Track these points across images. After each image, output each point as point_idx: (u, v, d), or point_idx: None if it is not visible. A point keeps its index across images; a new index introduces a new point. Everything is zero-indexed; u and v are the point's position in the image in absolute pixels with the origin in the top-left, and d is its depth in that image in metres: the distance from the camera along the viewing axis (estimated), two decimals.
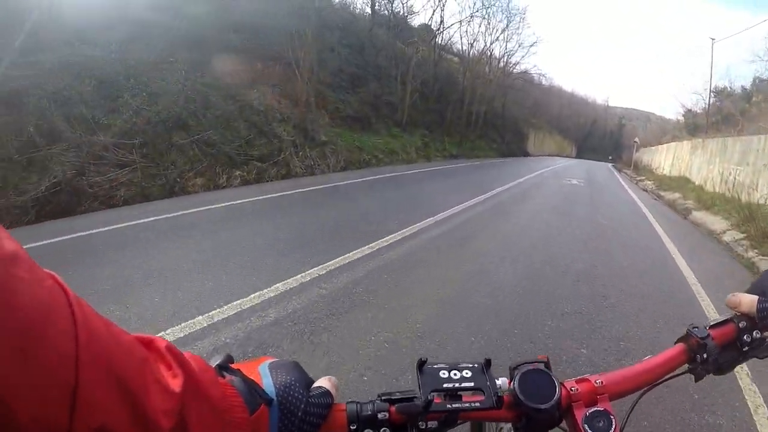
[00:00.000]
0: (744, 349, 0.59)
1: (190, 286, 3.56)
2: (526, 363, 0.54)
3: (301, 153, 11.93)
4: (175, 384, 0.34)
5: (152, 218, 6.33)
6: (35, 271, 0.28)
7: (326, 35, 15.83)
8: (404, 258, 4.62)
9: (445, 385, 0.49)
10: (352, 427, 0.47)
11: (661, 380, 0.58)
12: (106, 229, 5.73)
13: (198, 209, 7.01)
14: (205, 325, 2.91)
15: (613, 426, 0.50)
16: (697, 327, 0.59)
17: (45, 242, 4.98)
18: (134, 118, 8.73)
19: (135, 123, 8.67)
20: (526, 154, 38.51)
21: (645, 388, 0.58)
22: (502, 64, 34.71)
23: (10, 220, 6.71)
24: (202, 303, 3.22)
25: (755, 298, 0.59)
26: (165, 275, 3.77)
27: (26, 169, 7.22)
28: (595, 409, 0.52)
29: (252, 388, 0.42)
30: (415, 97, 20.41)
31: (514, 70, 37.82)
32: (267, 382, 0.44)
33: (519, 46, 41.19)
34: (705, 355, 0.57)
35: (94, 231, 5.62)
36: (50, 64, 8.51)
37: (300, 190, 9.24)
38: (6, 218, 6.69)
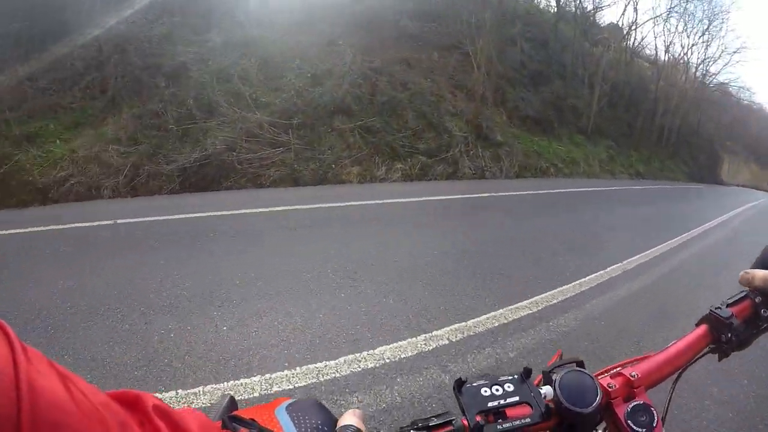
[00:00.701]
0: (761, 324, 0.58)
1: None
2: (561, 365, 0.52)
3: (472, 152, 9.89)
4: None
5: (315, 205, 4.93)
6: None
7: (507, 26, 13.82)
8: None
9: (490, 404, 0.46)
10: None
11: (689, 363, 0.57)
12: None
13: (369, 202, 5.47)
14: None
15: (656, 418, 0.48)
16: (719, 307, 0.58)
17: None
18: (295, 99, 7.79)
19: (295, 103, 7.71)
20: (719, 182, 30.44)
21: (676, 374, 0.57)
22: (699, 72, 28.18)
23: (156, 186, 6.01)
24: None
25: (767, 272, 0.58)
26: None
27: (180, 140, 6.55)
28: (636, 403, 0.49)
29: None
30: (603, 102, 16.96)
31: (713, 81, 30.55)
32: (288, 430, 0.40)
33: (722, 51, 33.30)
34: (729, 334, 0.56)
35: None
36: (218, 43, 8.11)
37: (478, 195, 7.19)
38: (152, 184, 6.02)
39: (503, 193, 7.87)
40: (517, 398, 0.47)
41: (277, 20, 9.20)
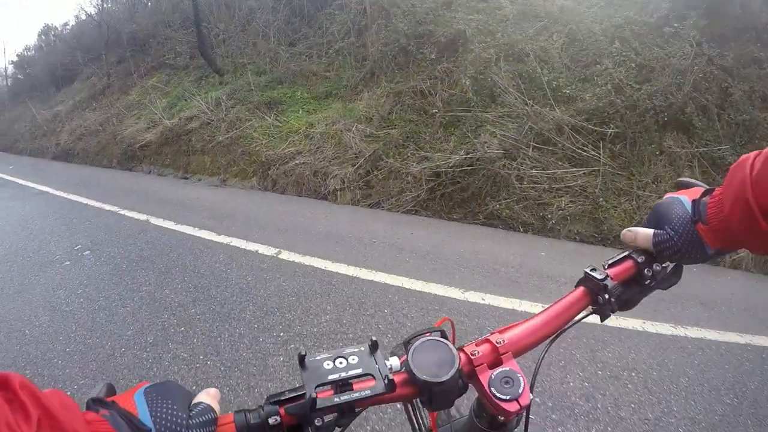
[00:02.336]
0: (647, 282, 0.58)
1: None
2: (420, 335, 0.51)
3: None
4: (27, 429, 0.30)
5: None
6: None
7: None
8: None
9: (330, 377, 0.46)
10: None
11: (566, 327, 0.56)
12: None
13: None
14: None
15: (522, 384, 0.48)
16: (595, 268, 0.57)
17: None
18: (611, 96, 5.07)
19: (612, 103, 4.99)
20: None
21: (550, 338, 0.56)
22: None
23: (395, 188, 4.18)
24: None
25: (650, 231, 0.57)
26: None
27: (444, 129, 4.58)
28: (500, 369, 0.49)
29: (128, 420, 0.38)
30: None
31: None
32: (142, 411, 0.40)
33: None
34: (607, 296, 0.56)
35: None
36: (510, 11, 5.91)
37: None
38: (390, 185, 4.21)
39: None
40: (360, 370, 0.47)
41: None
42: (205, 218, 4.30)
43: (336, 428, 0.46)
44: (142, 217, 4.46)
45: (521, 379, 0.47)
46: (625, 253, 0.59)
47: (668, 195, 0.59)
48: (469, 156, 4.29)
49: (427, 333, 0.51)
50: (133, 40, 11.56)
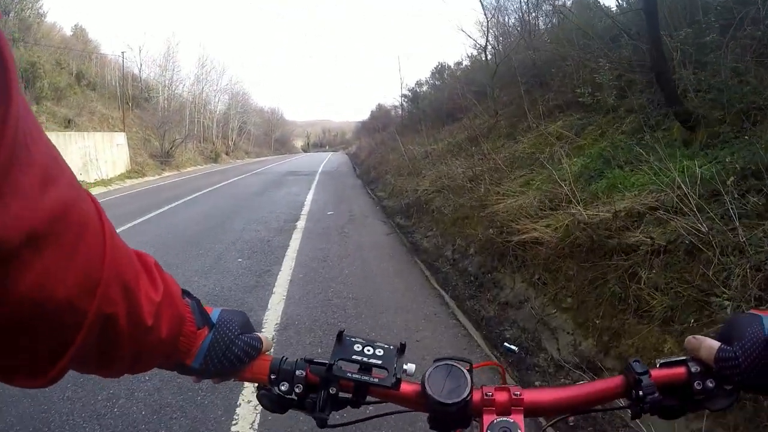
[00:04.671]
0: (695, 398, 0.53)
1: None
2: (448, 359, 0.54)
3: None
4: (157, 294, 0.43)
5: None
6: (79, 189, 0.34)
7: None
8: None
9: (354, 357, 0.53)
10: (272, 377, 0.54)
11: (591, 408, 0.56)
12: None
13: None
14: None
15: None
16: (638, 361, 0.54)
17: None
18: None
19: None
20: None
21: (569, 412, 0.57)
22: None
23: None
24: None
25: (716, 344, 0.53)
26: None
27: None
28: (504, 419, 0.50)
29: (202, 312, 0.52)
30: None
31: None
32: (214, 315, 0.54)
33: None
34: (641, 393, 0.52)
35: None
36: None
37: None
38: None
39: None
40: (379, 362, 0.52)
41: None
42: None
43: (346, 406, 0.53)
44: None
45: None
46: (682, 359, 0.55)
47: (752, 311, 0.54)
48: None
49: (457, 360, 0.54)
50: (528, 71, 9.20)
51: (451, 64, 20.54)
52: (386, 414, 0.58)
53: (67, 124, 16.97)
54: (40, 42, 19.85)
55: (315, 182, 14.53)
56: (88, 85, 22.40)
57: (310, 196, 10.76)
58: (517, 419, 0.50)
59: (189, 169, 24.37)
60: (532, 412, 0.52)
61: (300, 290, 4.18)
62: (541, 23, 12.46)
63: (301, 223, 7.33)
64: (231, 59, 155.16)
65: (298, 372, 0.53)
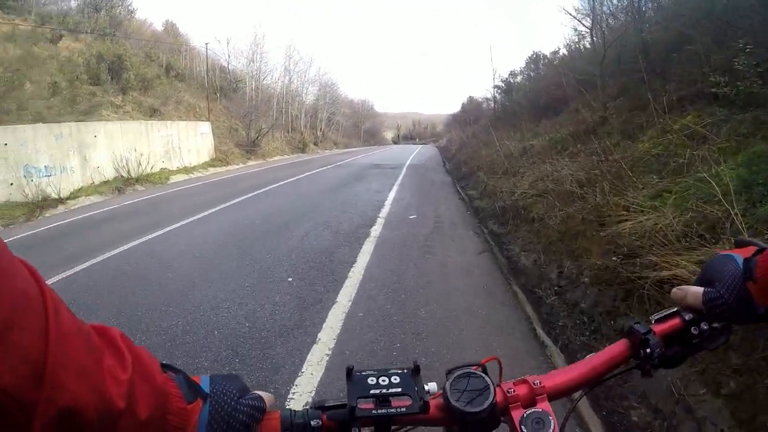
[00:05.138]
0: (693, 342, 0.56)
1: None
2: (461, 367, 0.53)
3: None
4: (125, 371, 0.37)
5: None
6: (14, 263, 0.31)
7: None
8: None
9: (372, 392, 0.50)
10: None
11: (606, 377, 0.57)
12: None
13: None
14: None
15: (552, 426, 0.49)
16: (639, 322, 0.57)
17: None
18: None
19: None
20: None
21: (587, 387, 0.57)
22: None
23: None
24: None
25: (701, 289, 0.57)
26: None
27: None
28: (533, 410, 0.50)
29: (190, 383, 0.45)
30: None
31: None
32: (204, 383, 0.47)
33: None
34: (649, 350, 0.55)
35: None
36: None
37: None
38: None
39: None
40: (399, 389, 0.50)
41: None
42: None
43: None
44: None
45: (552, 421, 0.49)
46: (674, 310, 0.58)
47: (721, 253, 0.58)
48: None
49: (470, 366, 0.53)
50: (641, 58, 7.24)
51: (547, 53, 18.45)
52: (405, 426, 0.53)
53: (152, 113, 17.43)
54: (131, 36, 20.79)
55: (400, 177, 13.45)
56: (177, 77, 23.26)
57: (392, 195, 9.69)
58: (545, 407, 0.51)
59: (275, 158, 24.54)
60: (554, 396, 0.53)
61: (353, 342, 3.03)
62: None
63: (376, 230, 6.25)
64: (317, 50, 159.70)
65: (313, 422, 0.49)
